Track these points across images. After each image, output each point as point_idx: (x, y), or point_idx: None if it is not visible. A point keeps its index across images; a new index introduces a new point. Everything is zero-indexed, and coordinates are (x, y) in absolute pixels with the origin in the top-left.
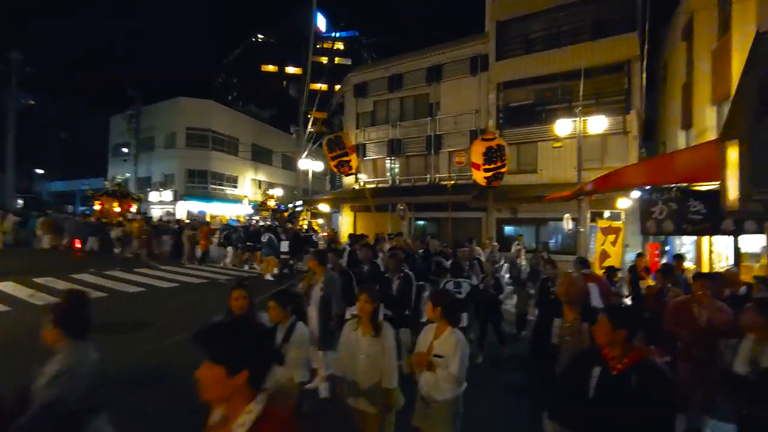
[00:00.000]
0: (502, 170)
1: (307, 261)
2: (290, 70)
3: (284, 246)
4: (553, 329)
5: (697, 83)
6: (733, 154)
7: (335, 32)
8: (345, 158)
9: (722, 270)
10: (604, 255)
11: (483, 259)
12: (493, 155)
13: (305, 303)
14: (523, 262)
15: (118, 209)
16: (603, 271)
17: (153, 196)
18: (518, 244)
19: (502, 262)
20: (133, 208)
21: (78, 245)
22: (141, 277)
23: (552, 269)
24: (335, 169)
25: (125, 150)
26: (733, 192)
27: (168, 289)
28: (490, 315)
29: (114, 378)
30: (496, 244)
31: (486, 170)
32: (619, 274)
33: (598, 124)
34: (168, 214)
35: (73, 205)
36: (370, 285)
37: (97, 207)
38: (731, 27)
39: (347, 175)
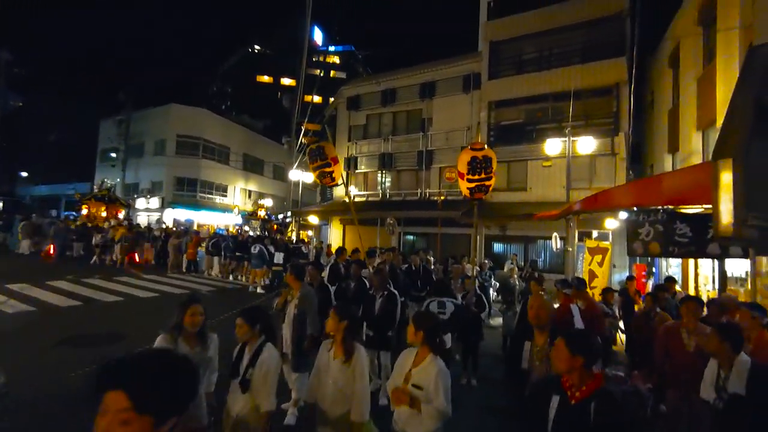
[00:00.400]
0: (487, 183)
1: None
2: (285, 81)
3: (278, 258)
4: (523, 353)
5: (683, 109)
6: (726, 175)
7: (331, 46)
8: (327, 169)
9: (710, 293)
10: (592, 275)
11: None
12: (477, 166)
13: (280, 320)
14: (517, 282)
15: (104, 214)
16: (592, 291)
17: (140, 202)
18: (512, 263)
19: (492, 280)
20: (121, 214)
21: (52, 251)
22: (120, 285)
23: (537, 286)
24: (317, 180)
25: (114, 155)
26: (726, 216)
27: (147, 300)
28: (471, 333)
29: (80, 394)
30: (486, 261)
31: (469, 180)
32: (615, 296)
33: (586, 144)
34: (158, 221)
35: (57, 210)
36: (343, 302)
37: (84, 211)
38: (716, 56)
39: (329, 186)
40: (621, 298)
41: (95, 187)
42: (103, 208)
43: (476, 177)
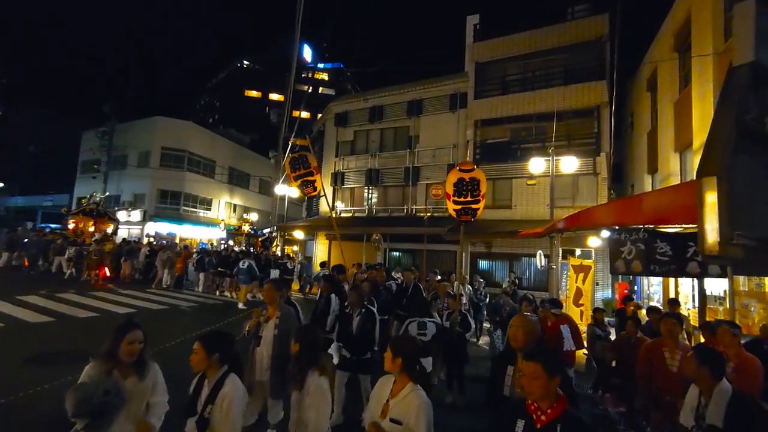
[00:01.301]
0: (474, 206)
1: (264, 292)
2: (274, 96)
3: (274, 274)
4: (506, 378)
5: (661, 131)
6: (710, 194)
7: (320, 63)
8: (310, 178)
9: (690, 311)
10: (579, 293)
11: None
12: (463, 188)
13: (253, 343)
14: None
15: (92, 229)
16: (580, 308)
17: (120, 215)
18: (509, 280)
19: (487, 299)
20: (110, 229)
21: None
22: (96, 301)
23: (528, 307)
24: (298, 190)
25: (96, 167)
26: (712, 235)
27: (123, 316)
28: (456, 355)
29: (46, 416)
30: (481, 280)
31: (455, 202)
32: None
33: (569, 164)
34: (147, 236)
35: (34, 221)
36: (308, 324)
37: (71, 225)
38: (691, 80)
39: (310, 196)
40: (618, 319)
41: (83, 200)
42: (91, 223)
43: (462, 199)
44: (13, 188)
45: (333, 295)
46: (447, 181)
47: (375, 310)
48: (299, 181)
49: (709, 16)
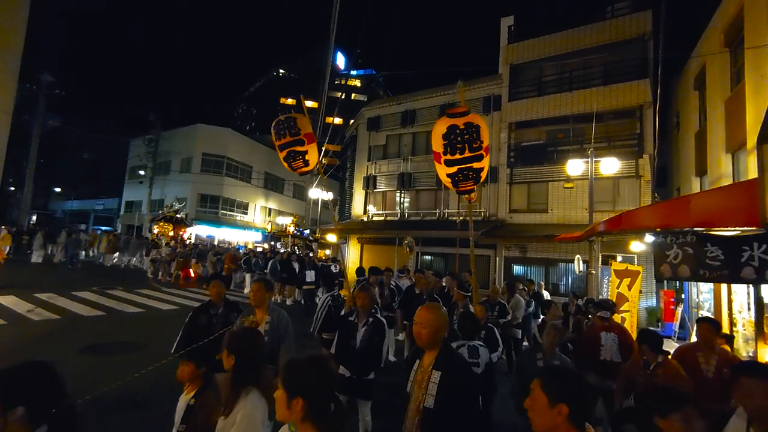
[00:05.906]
0: (476, 165)
1: (251, 292)
2: (308, 103)
3: (310, 276)
4: (411, 372)
5: (710, 131)
6: None
7: (353, 70)
8: (298, 147)
9: (746, 321)
10: (621, 298)
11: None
12: (456, 139)
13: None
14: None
15: (171, 233)
16: (622, 314)
17: None
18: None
19: (531, 308)
20: (186, 234)
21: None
22: (142, 298)
23: (557, 310)
24: (285, 164)
25: (142, 173)
26: None
27: (167, 312)
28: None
29: (99, 399)
30: (523, 287)
31: (448, 163)
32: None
33: (609, 166)
34: (218, 241)
35: (87, 224)
36: (243, 329)
37: (155, 230)
38: (744, 76)
39: (301, 173)
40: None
41: (165, 208)
42: (170, 228)
43: (457, 156)
44: (69, 193)
45: (327, 294)
46: (434, 135)
47: (384, 320)
48: (285, 152)
49: (765, 4)
